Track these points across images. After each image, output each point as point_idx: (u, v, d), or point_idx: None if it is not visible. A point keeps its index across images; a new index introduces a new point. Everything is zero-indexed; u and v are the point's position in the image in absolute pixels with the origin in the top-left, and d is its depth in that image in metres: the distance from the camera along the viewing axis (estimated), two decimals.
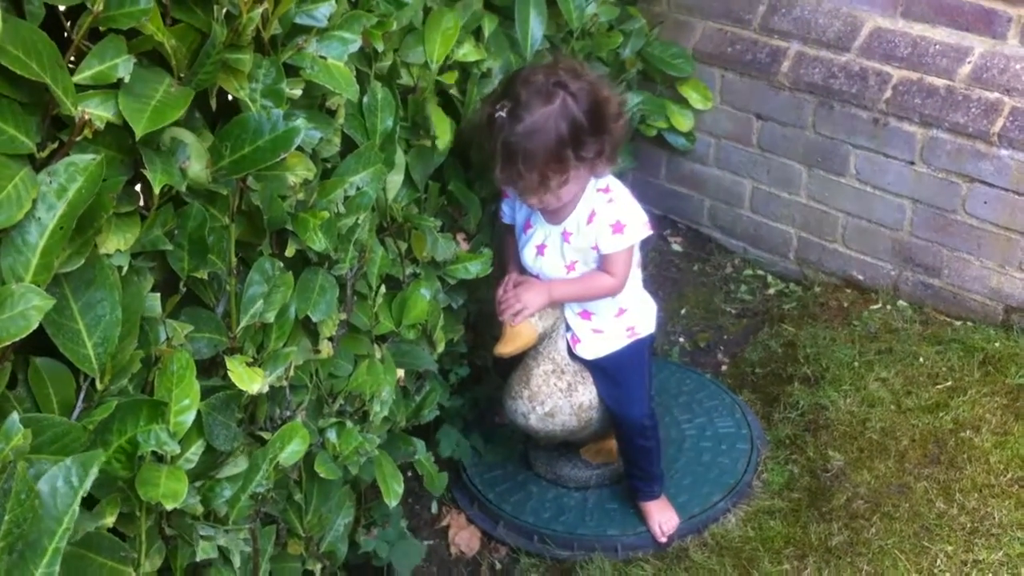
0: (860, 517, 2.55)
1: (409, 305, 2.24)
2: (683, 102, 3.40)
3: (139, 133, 1.25)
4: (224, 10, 1.39)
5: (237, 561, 1.69)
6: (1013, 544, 2.42)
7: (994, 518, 2.49)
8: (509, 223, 2.55)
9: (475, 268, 2.45)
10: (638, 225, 2.37)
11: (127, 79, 1.27)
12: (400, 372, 2.26)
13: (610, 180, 2.40)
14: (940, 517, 2.52)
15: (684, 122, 3.40)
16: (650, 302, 2.60)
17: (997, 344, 3.02)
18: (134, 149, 1.33)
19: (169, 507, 1.39)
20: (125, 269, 1.35)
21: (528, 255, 2.47)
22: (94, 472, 1.28)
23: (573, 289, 2.45)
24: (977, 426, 2.75)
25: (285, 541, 2.02)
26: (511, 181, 2.27)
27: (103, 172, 1.21)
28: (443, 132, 2.17)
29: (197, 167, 1.39)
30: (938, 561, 2.41)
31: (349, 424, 2.05)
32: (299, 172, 1.64)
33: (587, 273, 2.43)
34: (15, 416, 1.16)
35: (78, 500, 1.21)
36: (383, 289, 2.16)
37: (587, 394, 2.53)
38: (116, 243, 1.32)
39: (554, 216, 2.41)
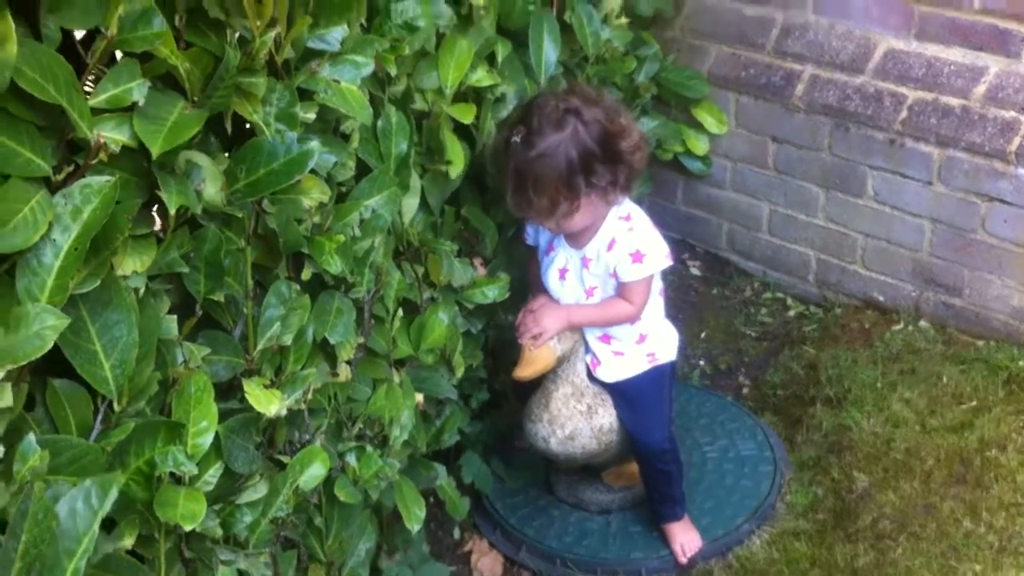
0: (886, 537, 2.53)
1: (427, 329, 2.25)
2: (698, 126, 3.41)
3: (155, 153, 1.27)
4: (237, 34, 1.41)
5: None
6: None
7: (1022, 536, 2.46)
8: (532, 244, 2.56)
9: (492, 293, 2.46)
10: (658, 255, 2.37)
11: (141, 102, 1.29)
12: (419, 397, 2.26)
13: (632, 208, 2.40)
14: (967, 536, 2.49)
15: (700, 146, 3.41)
16: (672, 330, 2.60)
17: (1021, 363, 2.99)
18: (149, 172, 1.35)
19: (187, 528, 1.39)
20: (142, 291, 1.36)
21: (551, 279, 2.48)
22: (113, 494, 1.28)
23: (592, 314, 2.46)
24: (1003, 445, 2.72)
25: (306, 566, 2.02)
26: (522, 207, 2.29)
27: (117, 193, 1.22)
28: (457, 159, 2.19)
29: (212, 190, 1.41)
30: None
31: (369, 448, 2.05)
32: (314, 195, 1.65)
33: (606, 299, 2.44)
34: (32, 437, 1.17)
35: (98, 522, 1.21)
36: (400, 313, 2.16)
37: (607, 416, 2.52)
38: (133, 265, 1.33)
39: (575, 241, 2.42)
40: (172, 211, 1.31)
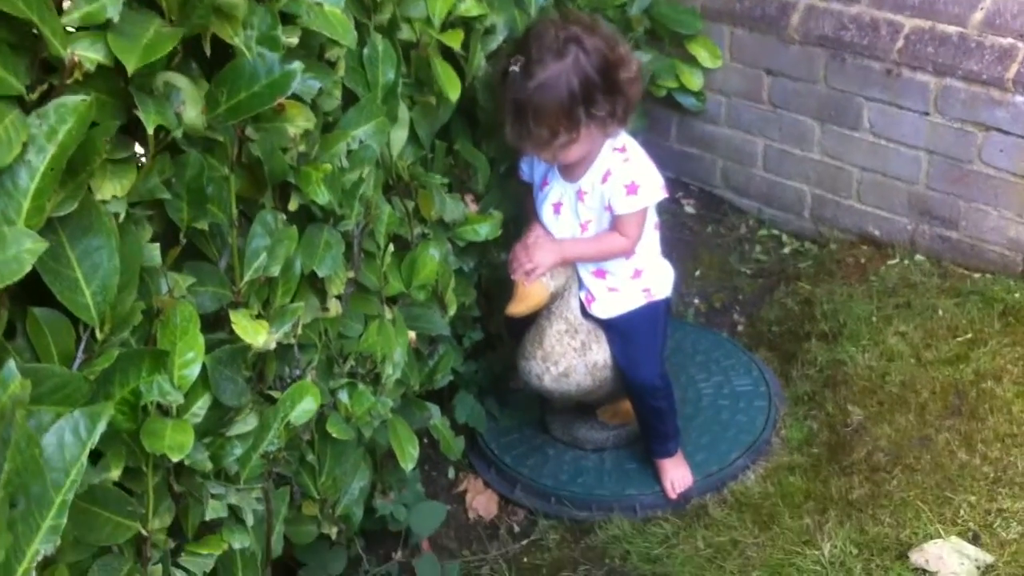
0: (881, 470, 2.52)
1: (418, 266, 2.21)
2: (692, 61, 3.36)
3: (131, 69, 1.23)
4: None
5: (250, 520, 1.67)
6: None
7: (1017, 467, 2.46)
8: (528, 181, 2.53)
9: (484, 230, 2.43)
10: (653, 187, 2.35)
11: (116, 19, 1.24)
12: (412, 334, 2.24)
13: (627, 140, 2.38)
14: (962, 468, 2.48)
15: (694, 81, 3.36)
16: (668, 267, 2.58)
17: (1017, 295, 2.97)
18: (127, 94, 1.31)
19: (175, 459, 1.37)
20: (122, 216, 1.32)
21: (545, 213, 2.46)
22: (102, 425, 1.25)
23: (586, 248, 2.43)
24: (999, 376, 2.71)
25: (299, 503, 2.00)
26: (521, 138, 2.25)
27: (93, 113, 1.18)
28: (452, 86, 2.13)
29: (192, 112, 1.37)
30: (961, 511, 2.37)
31: (361, 386, 2.03)
32: (299, 123, 1.61)
33: (600, 233, 2.41)
34: (12, 364, 1.13)
35: (86, 452, 1.19)
36: (391, 249, 2.13)
37: (601, 353, 2.50)
38: (112, 189, 1.30)
39: (570, 174, 2.39)
40: (150, 130, 1.27)
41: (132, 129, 1.35)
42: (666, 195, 2.41)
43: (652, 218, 2.48)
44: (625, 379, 2.55)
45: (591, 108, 2.21)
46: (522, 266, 2.37)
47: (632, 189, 2.33)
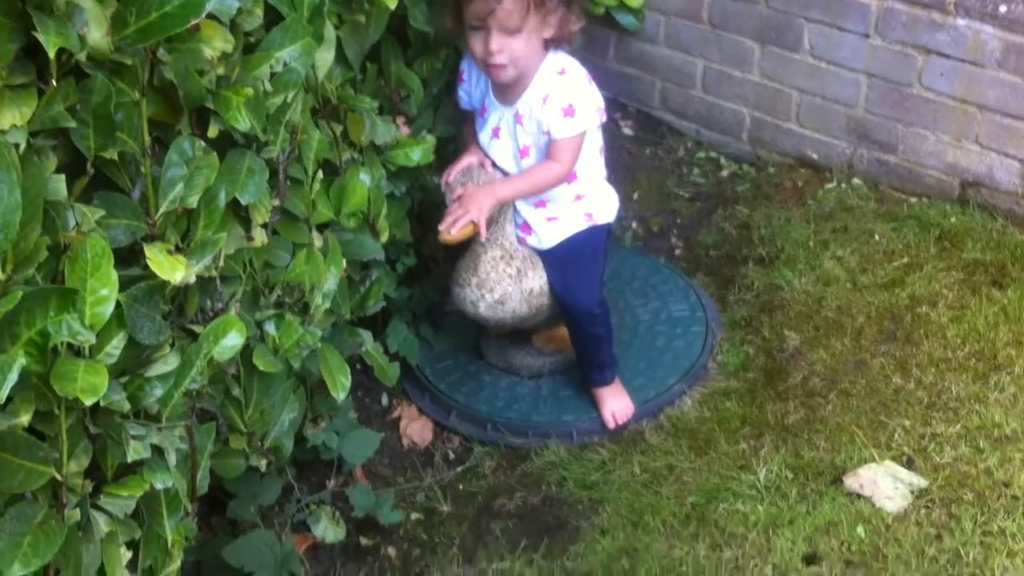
0: (817, 395, 2.53)
1: (348, 192, 2.14)
2: None
3: None
4: None
5: (173, 459, 1.61)
6: (971, 417, 2.40)
7: (951, 392, 2.48)
8: (467, 109, 2.45)
9: (416, 155, 2.35)
10: (590, 111, 2.29)
11: None
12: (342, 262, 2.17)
13: (567, 62, 2.32)
14: (897, 392, 2.50)
15: None
16: (612, 192, 2.53)
17: (953, 219, 2.98)
18: (25, 15, 1.21)
19: (88, 402, 1.30)
20: (23, 147, 1.23)
21: (484, 138, 2.41)
22: (13, 376, 1.20)
23: (520, 185, 2.37)
24: (934, 301, 2.72)
25: (226, 437, 1.95)
26: (482, 13, 2.17)
27: None
28: None
29: (97, 34, 1.27)
30: (896, 436, 2.39)
31: (289, 316, 1.97)
32: (216, 44, 1.52)
33: (532, 166, 2.36)
34: None
35: None
36: (320, 175, 2.05)
37: (537, 279, 2.46)
38: (11, 118, 1.21)
39: (506, 96, 2.33)
40: (51, 54, 1.18)
41: (32, 52, 1.26)
42: (603, 119, 2.36)
43: (597, 142, 2.43)
44: (562, 305, 2.52)
45: None
46: (459, 219, 2.29)
47: (569, 111, 2.27)
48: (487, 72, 2.30)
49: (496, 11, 2.16)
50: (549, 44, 2.28)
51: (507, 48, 2.21)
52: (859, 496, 2.26)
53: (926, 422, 2.41)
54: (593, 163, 2.44)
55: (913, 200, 3.10)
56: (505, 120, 2.35)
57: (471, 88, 2.42)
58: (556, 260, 2.49)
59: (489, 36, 2.20)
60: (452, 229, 2.28)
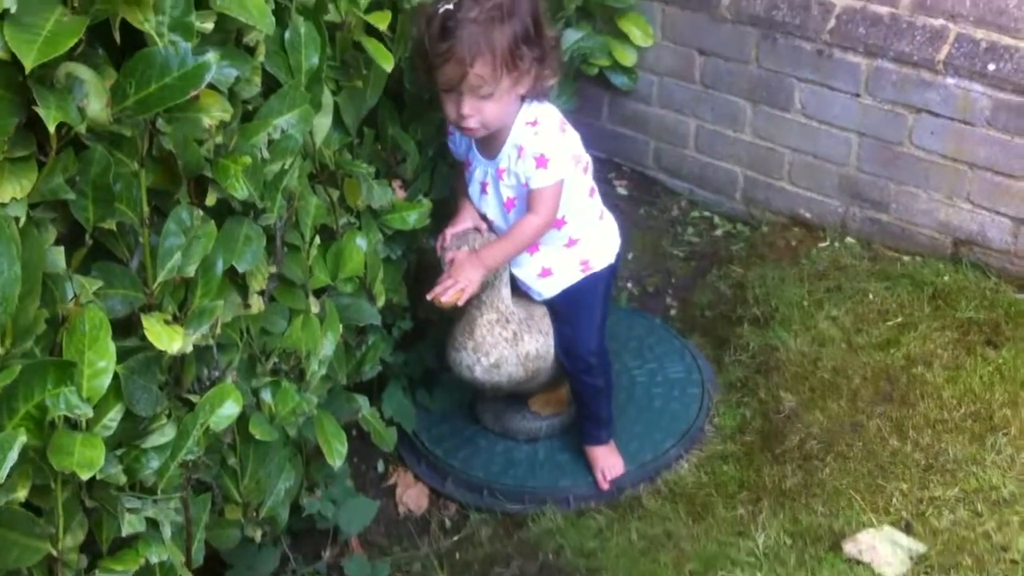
0: (814, 458, 2.51)
1: (345, 257, 2.14)
2: (624, 39, 3.30)
3: (28, 66, 1.13)
4: None
5: (168, 532, 1.59)
6: (968, 479, 2.38)
7: (948, 454, 2.46)
8: (459, 159, 2.46)
9: (413, 218, 2.36)
10: (563, 159, 2.29)
11: (13, 8, 1.15)
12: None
13: (540, 112, 2.29)
14: (894, 455, 2.48)
15: (628, 56, 3.30)
16: (609, 232, 2.52)
17: (946, 278, 2.98)
18: (26, 88, 1.21)
19: (84, 477, 1.28)
20: (23, 220, 1.23)
21: (474, 193, 2.40)
22: (13, 455, 1.18)
23: (505, 247, 2.36)
24: (929, 361, 2.71)
25: (222, 507, 1.92)
26: (453, 79, 2.15)
27: None
28: (385, 58, 2.04)
29: (97, 106, 1.27)
30: (894, 499, 2.37)
31: (285, 383, 1.95)
32: (214, 113, 1.52)
33: (513, 225, 2.36)
34: None
35: None
36: (317, 240, 2.05)
37: (533, 343, 2.45)
38: (11, 191, 1.20)
39: (487, 150, 2.33)
40: (51, 129, 1.18)
41: (32, 124, 1.26)
42: (582, 163, 2.36)
43: (584, 185, 2.42)
44: (562, 355, 2.50)
45: (531, 49, 2.17)
46: (448, 290, 2.28)
47: (541, 162, 2.26)
48: (460, 132, 2.31)
49: (467, 76, 2.14)
50: (524, 97, 2.27)
51: (479, 111, 2.19)
52: (858, 562, 2.23)
53: (924, 485, 2.39)
54: (583, 207, 2.42)
55: (906, 258, 3.10)
56: (490, 175, 2.35)
57: (457, 140, 2.42)
58: (554, 310, 2.49)
59: (461, 99, 2.18)
60: (443, 297, 2.27)
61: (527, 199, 2.32)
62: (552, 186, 2.29)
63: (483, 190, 2.37)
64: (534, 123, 2.28)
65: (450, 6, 2.11)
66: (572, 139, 2.35)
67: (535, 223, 2.33)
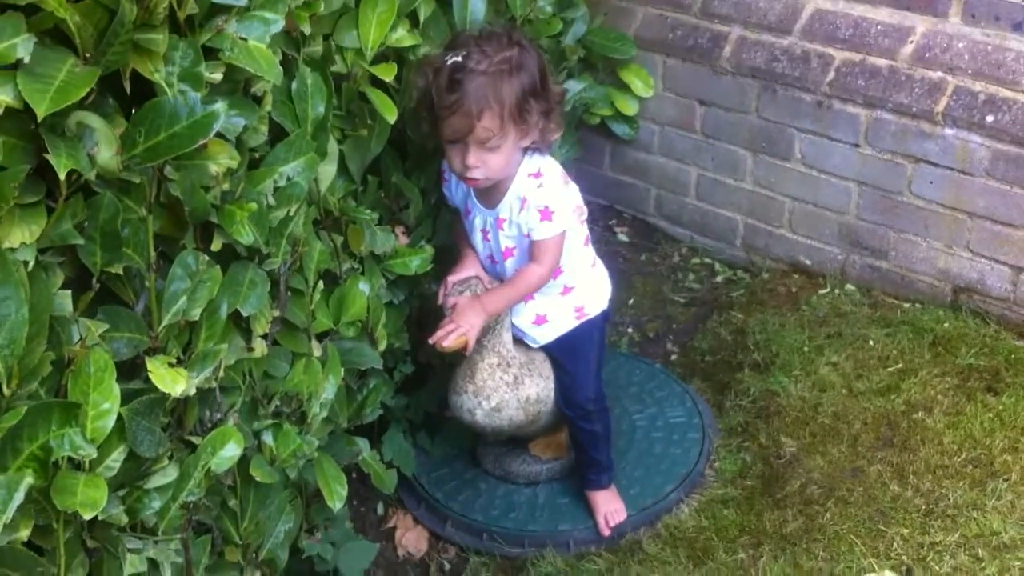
0: (814, 503, 2.52)
1: (348, 301, 2.16)
2: (626, 89, 3.35)
3: (41, 114, 1.17)
4: None
5: (168, 573, 1.61)
6: (969, 525, 2.39)
7: (949, 499, 2.47)
8: (452, 204, 2.48)
9: (415, 264, 2.38)
10: (567, 211, 2.31)
11: (27, 59, 1.19)
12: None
13: (543, 164, 2.32)
14: (895, 500, 2.49)
15: (629, 106, 3.35)
16: (602, 278, 2.54)
17: (946, 325, 3.00)
18: (37, 136, 1.25)
19: (87, 517, 1.30)
20: (32, 264, 1.26)
21: (475, 240, 2.42)
22: (20, 496, 1.20)
23: (508, 294, 2.38)
24: (929, 407, 2.72)
25: (221, 550, 1.93)
26: (460, 131, 2.16)
27: (1, 159, 1.12)
28: (389, 109, 2.08)
29: (106, 154, 1.30)
30: (894, 544, 2.38)
31: (286, 426, 1.97)
32: (221, 161, 1.55)
33: (516, 273, 2.38)
34: None
35: (1, 525, 1.14)
36: (321, 285, 2.07)
37: (534, 387, 2.47)
38: (21, 236, 1.23)
39: (488, 200, 2.35)
40: (61, 176, 1.21)
41: (42, 171, 1.29)
42: (584, 215, 2.39)
43: (581, 234, 2.44)
44: (561, 401, 2.52)
45: (539, 102, 2.19)
46: (450, 335, 2.30)
47: (546, 215, 2.28)
48: (463, 182, 2.32)
49: (475, 129, 2.14)
50: (527, 150, 2.29)
51: (484, 163, 2.20)
52: None
53: (924, 530, 2.40)
54: (578, 255, 2.45)
55: (906, 305, 3.12)
56: (489, 223, 2.37)
57: (453, 188, 2.43)
58: (551, 358, 2.51)
59: (467, 150, 2.18)
60: (444, 342, 2.29)
61: (529, 249, 2.35)
62: (556, 237, 2.31)
63: (484, 237, 2.40)
64: (537, 175, 2.30)
65: (459, 58, 2.13)
66: (573, 191, 2.37)
67: (539, 272, 2.35)
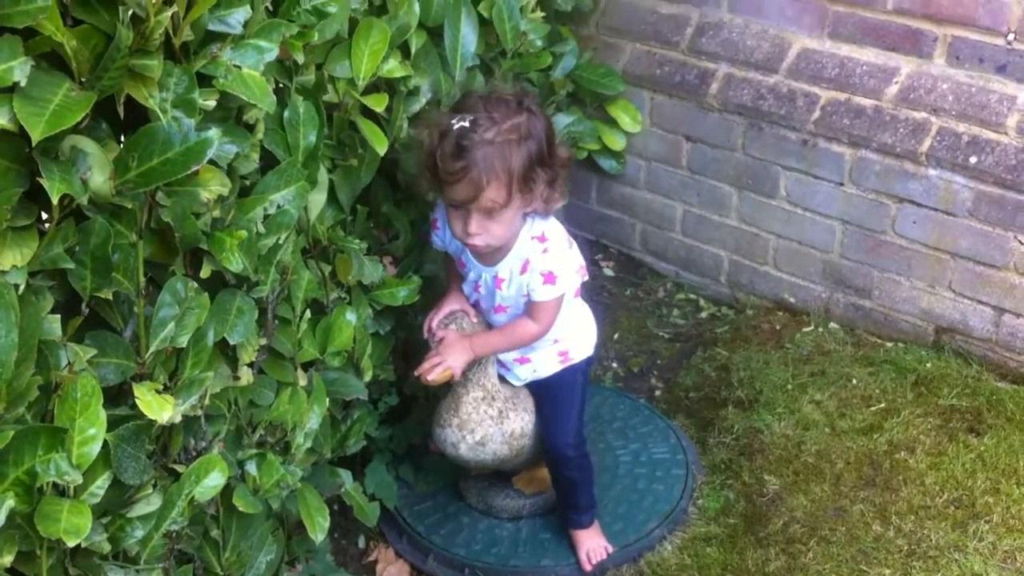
0: (797, 542, 2.51)
1: (334, 331, 2.16)
2: (613, 124, 3.37)
3: (36, 138, 1.16)
4: (130, 12, 1.31)
5: None
6: (951, 566, 2.39)
7: (931, 540, 2.47)
8: (440, 250, 2.46)
9: (403, 294, 2.38)
10: (570, 275, 2.30)
11: (23, 82, 1.18)
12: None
13: (546, 228, 2.28)
14: (877, 540, 2.49)
15: (617, 141, 3.37)
16: (587, 325, 2.52)
17: (929, 365, 3.01)
18: (31, 159, 1.24)
19: (71, 544, 1.29)
20: (22, 288, 1.25)
21: (468, 290, 2.40)
22: (1, 519, 1.19)
23: (496, 342, 2.38)
24: (912, 447, 2.73)
25: None
26: (465, 199, 2.11)
27: None
28: (379, 140, 2.08)
29: (99, 179, 1.30)
30: None
31: (270, 456, 1.96)
32: (213, 188, 1.55)
33: (510, 323, 2.37)
34: None
35: None
36: (308, 314, 2.07)
37: (519, 421, 2.46)
38: (12, 259, 1.23)
39: (487, 259, 2.32)
40: (54, 200, 1.20)
41: (34, 194, 1.29)
42: (585, 277, 2.37)
43: (577, 284, 2.44)
44: (542, 444, 2.51)
45: (532, 176, 2.14)
46: (436, 368, 2.29)
47: (550, 279, 2.26)
48: (463, 244, 2.27)
49: (479, 198, 2.10)
50: (529, 214, 2.24)
51: (486, 230, 2.16)
52: None
53: (906, 571, 2.40)
54: (568, 308, 2.43)
55: (889, 345, 3.14)
56: (485, 279, 2.34)
57: (445, 237, 2.37)
58: (533, 395, 2.50)
59: (469, 217, 2.14)
60: (429, 375, 2.28)
61: (527, 307, 2.33)
62: (556, 299, 2.30)
63: (476, 289, 2.37)
64: (542, 238, 2.26)
65: (466, 123, 2.08)
66: (575, 253, 2.34)
67: (533, 330, 2.33)
